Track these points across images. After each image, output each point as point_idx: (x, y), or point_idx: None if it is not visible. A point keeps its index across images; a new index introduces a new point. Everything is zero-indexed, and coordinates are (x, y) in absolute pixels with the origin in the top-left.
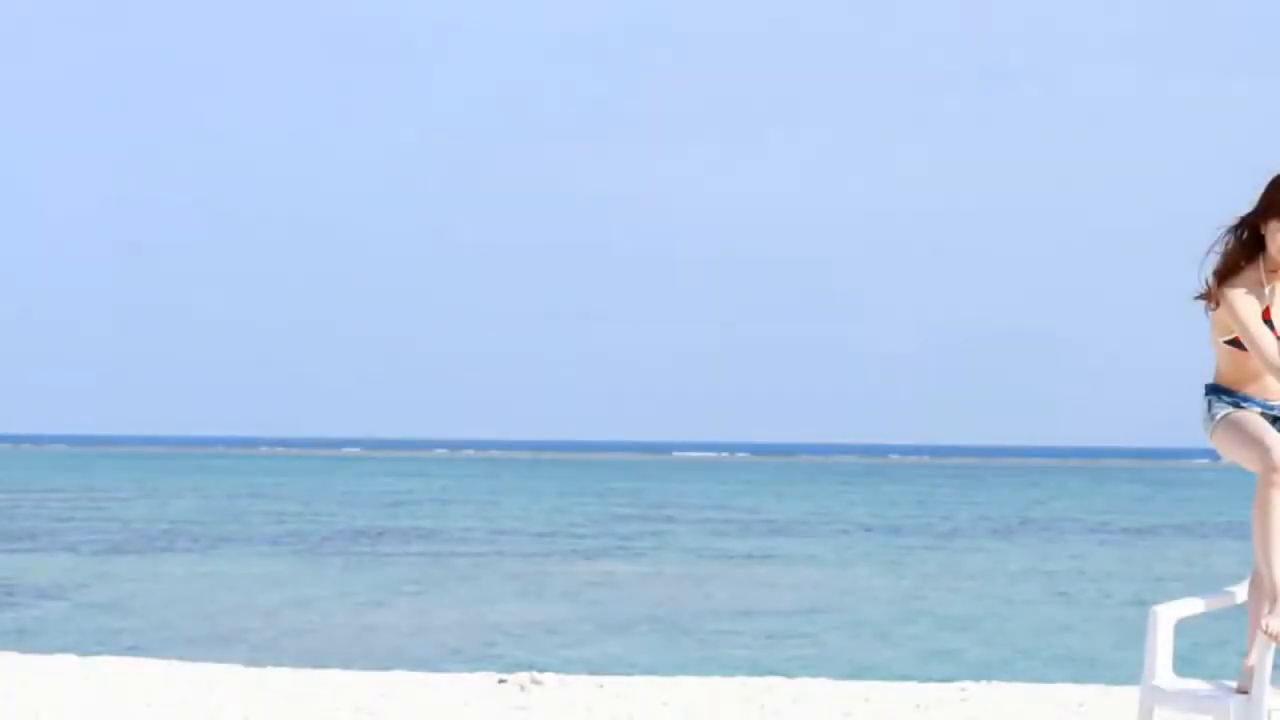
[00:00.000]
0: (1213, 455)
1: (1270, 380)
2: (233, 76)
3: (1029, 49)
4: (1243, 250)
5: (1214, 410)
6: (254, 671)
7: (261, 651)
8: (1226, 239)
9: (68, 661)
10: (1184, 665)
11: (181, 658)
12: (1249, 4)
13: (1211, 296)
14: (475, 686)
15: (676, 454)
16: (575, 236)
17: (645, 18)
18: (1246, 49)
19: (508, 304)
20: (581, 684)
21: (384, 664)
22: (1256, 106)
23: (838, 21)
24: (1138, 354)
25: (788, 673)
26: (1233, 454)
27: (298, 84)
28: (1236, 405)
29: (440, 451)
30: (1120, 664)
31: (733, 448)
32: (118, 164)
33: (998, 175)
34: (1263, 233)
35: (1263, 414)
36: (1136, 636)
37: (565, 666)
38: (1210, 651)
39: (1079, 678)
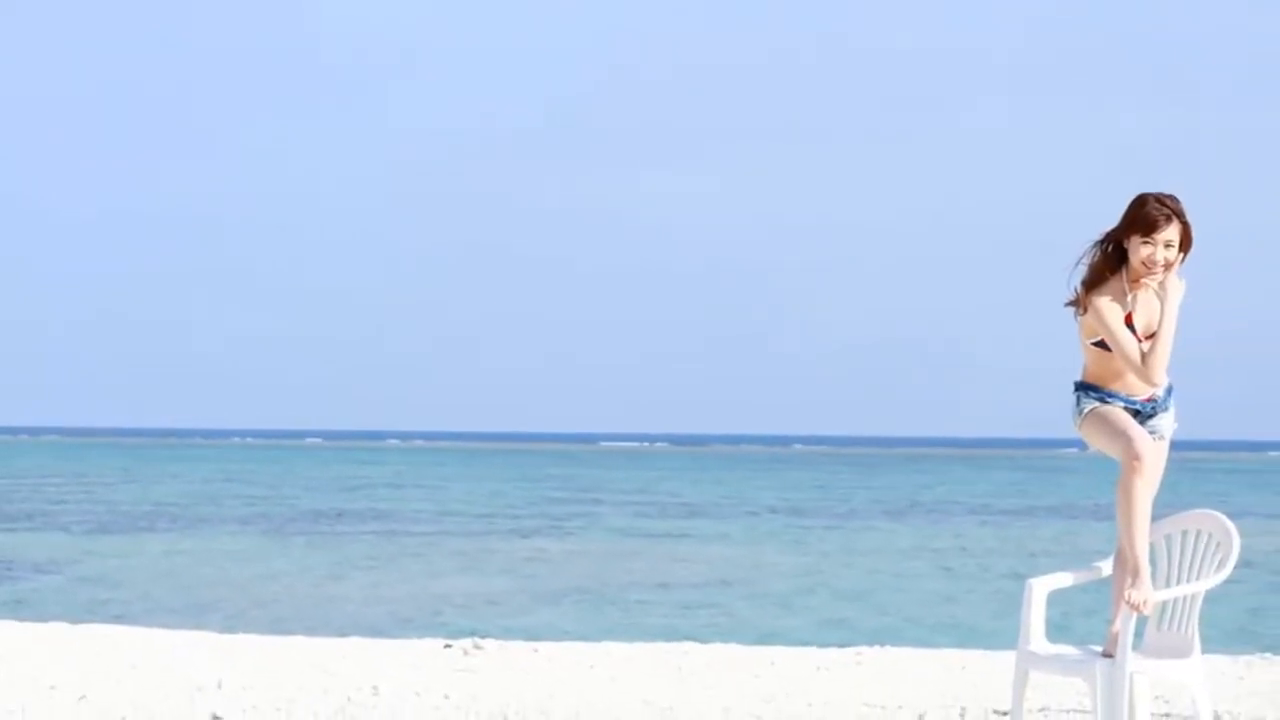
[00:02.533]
0: (1081, 445)
1: (1132, 378)
2: (220, 96)
3: (925, 83)
4: (1108, 262)
5: (1082, 405)
6: (227, 637)
7: (233, 619)
8: (1094, 252)
9: (61, 629)
10: (1055, 632)
11: (162, 625)
12: (1129, 38)
13: (1080, 303)
14: (424, 651)
15: (603, 444)
16: (516, 248)
17: (596, 55)
18: (1124, 81)
19: (455, 310)
20: (518, 649)
21: (343, 630)
22: (1124, 134)
23: (757, 57)
24: (1015, 355)
25: (702, 638)
26: (1099, 444)
27: (281, 101)
28: (1102, 400)
29: (393, 441)
30: (999, 631)
31: (653, 439)
32: (111, 178)
33: (894, 197)
34: (1126, 247)
35: (1125, 408)
36: (1013, 606)
37: (504, 633)
38: (1079, 620)
39: (962, 643)
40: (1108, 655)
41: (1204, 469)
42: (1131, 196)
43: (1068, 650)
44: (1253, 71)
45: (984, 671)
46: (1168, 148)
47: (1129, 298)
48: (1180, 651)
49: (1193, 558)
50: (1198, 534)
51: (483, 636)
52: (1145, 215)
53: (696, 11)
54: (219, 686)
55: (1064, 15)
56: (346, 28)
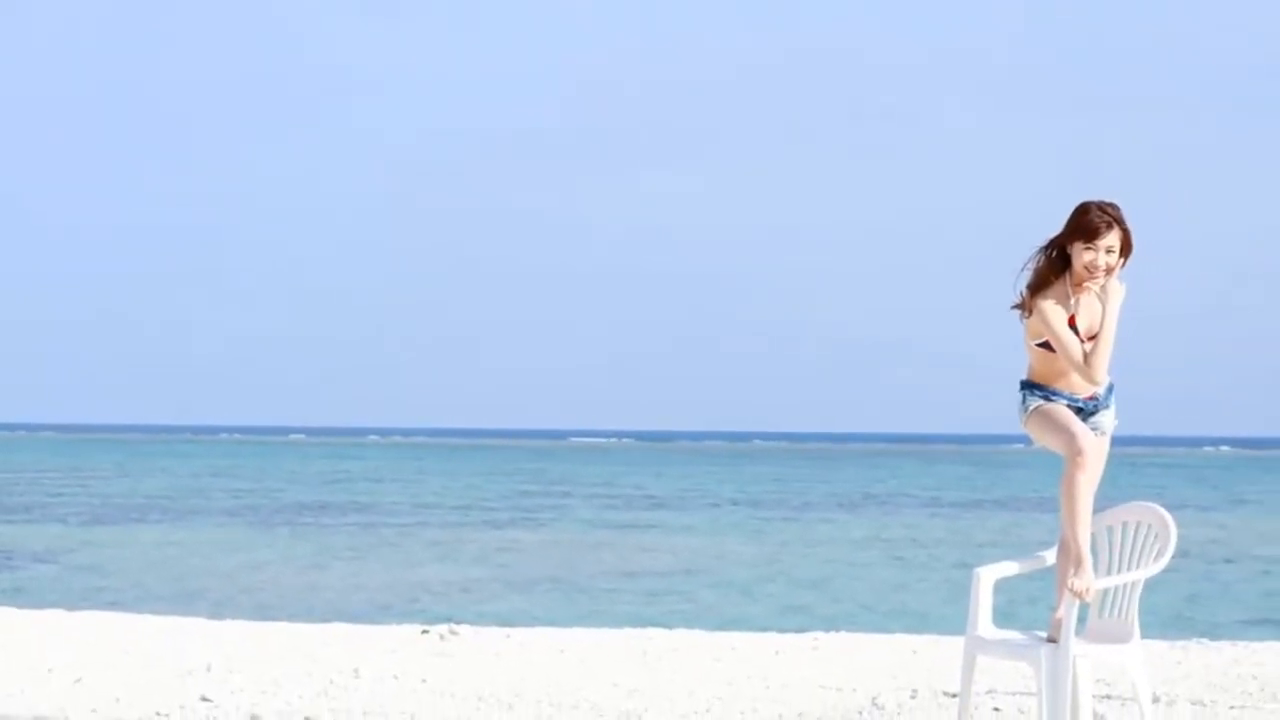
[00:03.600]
0: (1026, 441)
1: (1075, 377)
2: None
3: (898, 92)
4: (1052, 267)
5: (1028, 403)
6: (215, 623)
7: (221, 606)
8: (1039, 257)
9: (57, 615)
10: (1002, 618)
11: (153, 612)
12: (1084, 50)
13: (1026, 306)
14: (402, 636)
15: (573, 440)
16: (492, 253)
17: (561, 73)
18: (1081, 90)
19: (434, 313)
20: (492, 634)
21: (325, 617)
22: (1072, 141)
23: (726, 70)
24: (964, 355)
25: (666, 625)
26: (1044, 439)
27: (267, 116)
28: (1047, 398)
29: (373, 438)
30: (948, 617)
31: (620, 435)
32: (107, 184)
33: (851, 201)
34: (1069, 252)
35: (1069, 406)
36: (962, 594)
37: (478, 619)
38: (1024, 607)
39: (913, 629)
40: (1052, 640)
41: (1143, 464)
42: (1075, 204)
43: (1014, 636)
44: (1203, 85)
45: (934, 655)
46: (1122, 157)
47: (1072, 301)
48: (1121, 637)
49: (1132, 548)
50: (1137, 525)
51: (458, 623)
52: (1087, 222)
53: (676, 24)
54: (207, 670)
55: (1043, 27)
56: (344, 38)
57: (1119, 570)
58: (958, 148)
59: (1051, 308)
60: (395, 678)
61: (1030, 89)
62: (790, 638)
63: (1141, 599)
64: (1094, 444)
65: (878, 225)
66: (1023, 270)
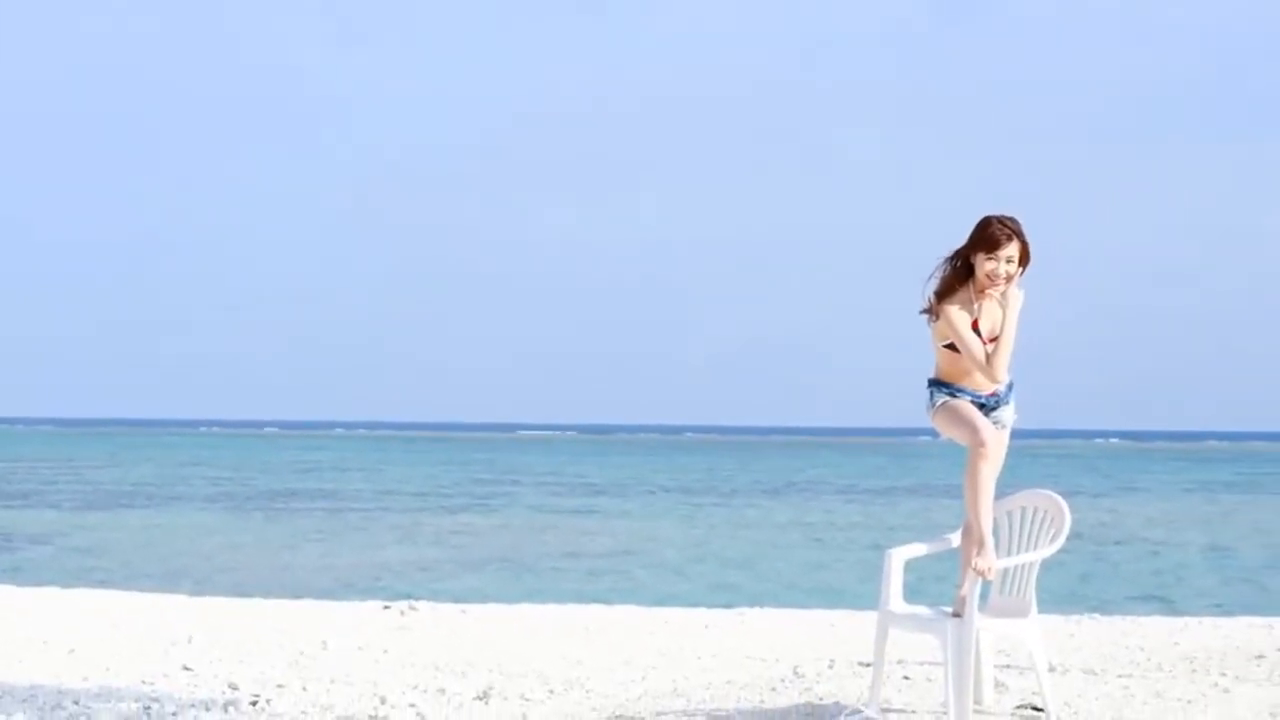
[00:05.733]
0: (934, 433)
1: (978, 375)
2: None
3: (797, 116)
4: (957, 276)
5: (935, 399)
6: (196, 599)
7: (201, 584)
8: (944, 267)
9: (52, 592)
10: (911, 594)
11: (140, 589)
12: (980, 81)
13: (933, 311)
14: (365, 612)
15: (521, 433)
16: (445, 266)
17: (510, 98)
18: (974, 117)
19: (395, 318)
20: (447, 610)
21: (296, 594)
22: (974, 164)
23: (642, 103)
24: (878, 355)
25: (606, 601)
26: (949, 432)
27: (234, 138)
28: (952, 395)
29: (339, 430)
30: (863, 594)
31: (564, 428)
32: (99, 202)
33: (769, 216)
34: (972, 262)
35: (972, 402)
36: (875, 573)
37: (435, 596)
38: (931, 584)
39: (831, 604)
40: (957, 615)
41: (1041, 454)
42: (977, 219)
43: (922, 610)
44: (1085, 115)
45: (850, 629)
46: (1008, 179)
47: (975, 306)
48: (1019, 612)
49: (1030, 530)
50: (1035, 510)
51: (417, 599)
52: (989, 235)
53: (597, 61)
54: (189, 641)
55: (926, 58)
56: (314, 73)
57: (1018, 551)
58: (861, 167)
59: (956, 313)
60: (360, 649)
61: (928, 117)
62: (719, 613)
63: (1038, 577)
64: (995, 436)
65: (794, 236)
66: (930, 279)
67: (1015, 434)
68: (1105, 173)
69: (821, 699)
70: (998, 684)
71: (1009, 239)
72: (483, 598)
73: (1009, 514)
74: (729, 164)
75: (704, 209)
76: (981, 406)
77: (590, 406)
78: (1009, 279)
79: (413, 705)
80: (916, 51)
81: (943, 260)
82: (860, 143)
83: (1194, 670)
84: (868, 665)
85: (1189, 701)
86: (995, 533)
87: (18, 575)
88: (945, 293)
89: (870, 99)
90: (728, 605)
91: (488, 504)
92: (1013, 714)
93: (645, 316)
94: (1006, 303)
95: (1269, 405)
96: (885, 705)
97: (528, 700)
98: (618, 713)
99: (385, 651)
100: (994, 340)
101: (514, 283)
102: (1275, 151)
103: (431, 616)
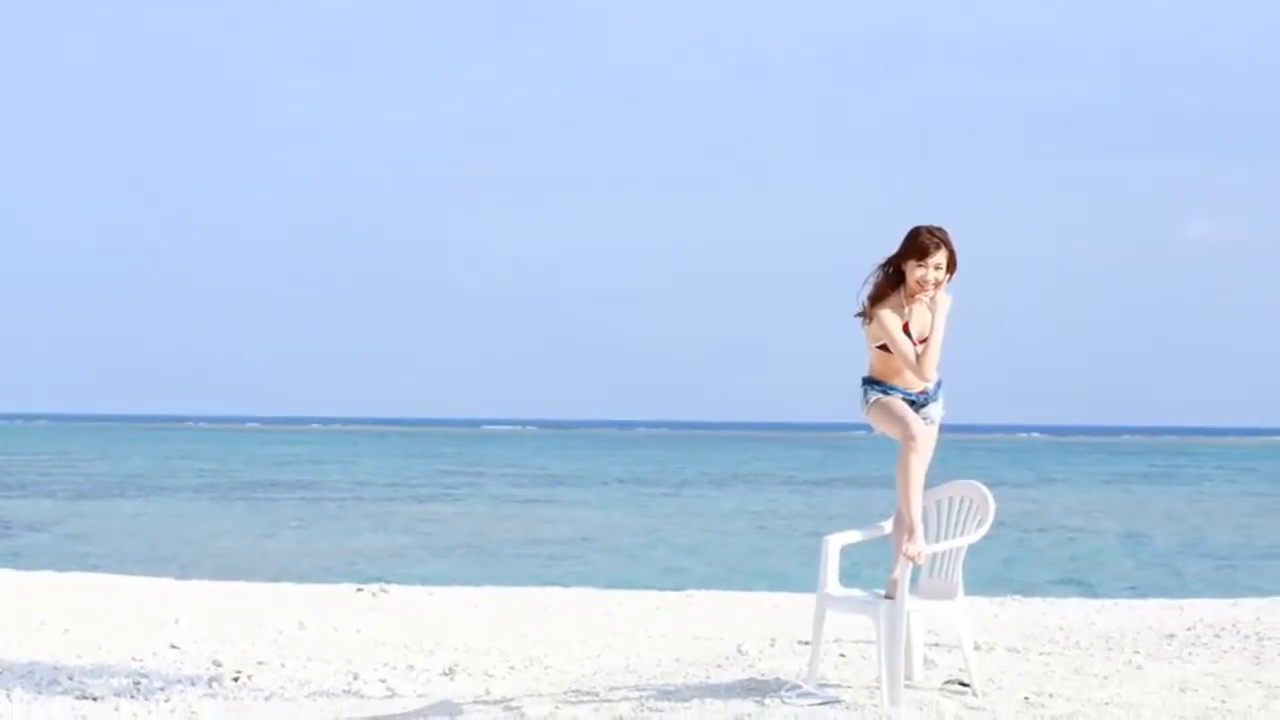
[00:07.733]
0: (868, 429)
1: (909, 374)
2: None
3: (733, 132)
4: (889, 281)
5: (868, 396)
6: (182, 583)
7: (188, 568)
8: (877, 273)
9: (49, 576)
10: (847, 578)
11: (131, 573)
12: (908, 99)
13: (867, 314)
14: (340, 594)
15: (485, 427)
16: (420, 270)
17: (451, 114)
18: (902, 134)
19: (369, 319)
20: (417, 592)
21: (275, 577)
22: (900, 177)
23: (592, 119)
24: (816, 355)
25: (564, 584)
26: (883, 428)
27: (217, 151)
28: (885, 393)
29: (315, 425)
30: (803, 578)
31: (526, 423)
32: (92, 210)
33: (710, 226)
34: (904, 269)
35: (904, 399)
36: (814, 558)
37: (405, 580)
38: (866, 569)
39: (774, 587)
40: (889, 597)
41: (968, 447)
42: (908, 229)
43: (857, 593)
44: (1008, 132)
45: (791, 610)
46: (937, 191)
47: (906, 310)
48: (947, 594)
49: (957, 518)
50: (961, 500)
51: (388, 582)
52: (919, 243)
53: (530, 80)
54: (176, 622)
55: (857, 78)
56: (280, 97)
57: (946, 537)
58: (797, 180)
59: (889, 316)
60: (335, 629)
61: (857, 134)
62: (669, 595)
63: (965, 562)
64: (924, 431)
65: (739, 243)
66: (864, 284)
67: (944, 429)
68: (1026, 184)
69: (764, 675)
70: (927, 661)
71: (937, 247)
72: (449, 581)
73: (938, 503)
74: (674, 177)
75: (651, 219)
76: (912, 403)
77: (550, 403)
78: (938, 285)
79: (383, 681)
80: (848, 73)
81: (876, 267)
82: (793, 158)
83: (1110, 648)
84: (807, 644)
85: (1105, 677)
86: (925, 520)
87: (16, 560)
88: (878, 297)
89: (803, 117)
90: (677, 588)
91: (454, 494)
92: (941, 689)
93: (599, 320)
94: (935, 306)
95: (1181, 401)
96: (823, 681)
97: (490, 676)
98: (574, 688)
99: (358, 631)
100: (924, 341)
101: (479, 288)
102: (1191, 167)
103: (402, 598)
